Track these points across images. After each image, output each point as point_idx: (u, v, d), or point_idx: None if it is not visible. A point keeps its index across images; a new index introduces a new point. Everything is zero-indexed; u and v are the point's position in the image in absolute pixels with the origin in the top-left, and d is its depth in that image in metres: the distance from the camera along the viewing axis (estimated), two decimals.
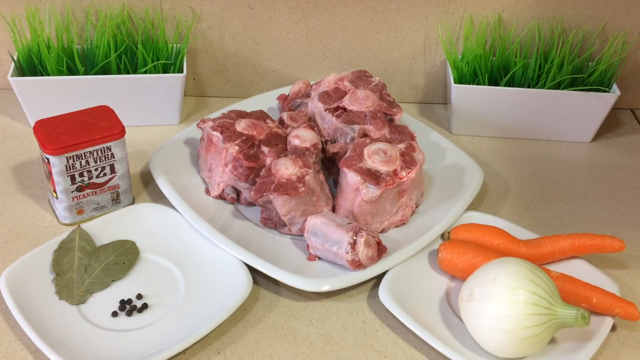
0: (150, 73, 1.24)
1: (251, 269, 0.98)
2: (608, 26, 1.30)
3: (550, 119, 1.28)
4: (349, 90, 1.14)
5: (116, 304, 0.95)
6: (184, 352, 0.90)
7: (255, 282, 0.99)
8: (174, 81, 1.23)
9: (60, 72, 1.21)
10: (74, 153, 1.00)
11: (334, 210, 1.06)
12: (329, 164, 1.14)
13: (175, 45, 1.27)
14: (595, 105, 1.25)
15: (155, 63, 1.23)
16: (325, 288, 0.96)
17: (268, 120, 1.12)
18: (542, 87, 1.26)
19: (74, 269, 0.98)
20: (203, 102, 1.37)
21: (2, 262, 1.00)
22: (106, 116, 1.05)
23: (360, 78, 1.17)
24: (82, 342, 0.90)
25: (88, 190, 1.04)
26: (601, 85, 1.26)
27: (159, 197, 1.11)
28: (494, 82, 1.29)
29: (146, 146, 1.23)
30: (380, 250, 0.98)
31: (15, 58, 1.23)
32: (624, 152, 1.29)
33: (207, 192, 1.11)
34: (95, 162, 1.03)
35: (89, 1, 1.26)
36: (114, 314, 0.94)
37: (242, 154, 1.05)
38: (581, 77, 1.26)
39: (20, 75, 1.23)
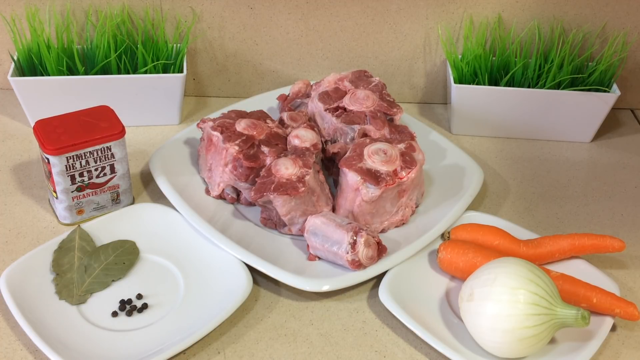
0: (150, 73, 1.24)
1: (251, 269, 0.98)
2: (608, 26, 1.30)
3: (550, 119, 1.28)
4: (349, 90, 1.14)
5: (116, 304, 0.95)
6: (184, 352, 0.90)
7: (255, 282, 0.99)
8: (174, 81, 1.23)
9: (60, 72, 1.21)
10: (74, 153, 1.00)
11: (334, 210, 1.06)
12: (329, 164, 1.14)
13: (175, 45, 1.27)
14: (595, 105, 1.25)
15: (155, 63, 1.24)
16: (325, 288, 0.96)
17: (268, 120, 1.12)
18: (542, 87, 1.26)
19: (74, 269, 0.98)
20: (203, 102, 1.37)
21: (2, 262, 1.00)
22: (106, 116, 1.05)
23: (360, 78, 1.17)
24: (82, 342, 0.90)
25: (88, 190, 1.05)
26: (601, 85, 1.26)
27: (159, 197, 1.11)
28: (494, 82, 1.29)
29: (146, 146, 1.23)
30: (380, 250, 0.98)
31: (15, 58, 1.23)
32: (624, 152, 1.29)
33: (207, 192, 1.11)
34: (95, 162, 1.03)
35: (89, 1, 1.26)
36: (114, 314, 0.94)
37: (242, 154, 1.05)
38: (581, 77, 1.26)
39: (20, 75, 1.23)
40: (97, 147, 1.01)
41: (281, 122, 1.14)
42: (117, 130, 1.03)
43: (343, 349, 0.92)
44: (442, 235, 1.05)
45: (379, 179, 1.00)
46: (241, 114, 1.12)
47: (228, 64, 1.35)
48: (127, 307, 0.95)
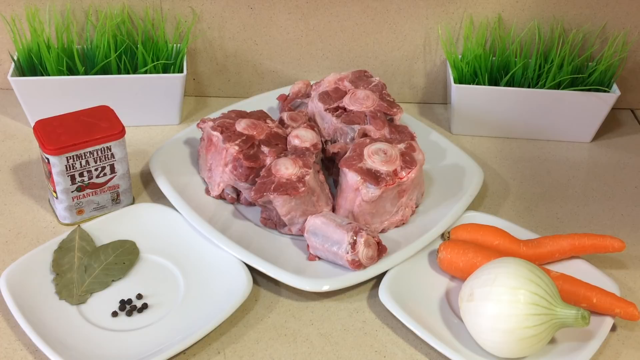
0: (150, 73, 1.24)
1: (251, 269, 0.98)
2: (608, 26, 1.30)
3: (550, 119, 1.28)
4: (349, 90, 1.14)
5: (116, 304, 0.95)
6: (184, 352, 0.90)
7: (255, 282, 0.99)
8: (174, 81, 1.23)
9: (60, 72, 1.21)
10: (74, 153, 1.00)
11: (334, 210, 1.06)
12: (329, 164, 1.14)
13: (175, 45, 1.27)
14: (595, 105, 1.25)
15: (155, 63, 1.23)
16: (325, 288, 0.96)
17: (268, 120, 1.12)
18: (542, 87, 1.26)
19: (74, 269, 0.98)
20: (203, 102, 1.37)
21: (2, 262, 1.00)
22: (106, 116, 1.05)
23: (360, 78, 1.17)
24: (82, 342, 0.90)
25: (88, 190, 1.05)
26: (601, 85, 1.26)
27: (159, 197, 1.11)
28: (494, 82, 1.29)
29: (146, 146, 1.23)
30: (380, 250, 0.98)
31: (15, 58, 1.23)
32: (624, 152, 1.29)
33: (207, 192, 1.11)
34: (95, 162, 1.03)
35: (89, 1, 1.26)
36: (114, 314, 0.94)
37: (242, 154, 1.05)
38: (581, 77, 1.26)
39: (20, 75, 1.23)
40: (97, 147, 1.01)
41: (281, 122, 1.14)
42: (117, 130, 1.03)
43: (343, 349, 0.92)
44: (442, 235, 1.05)
45: (379, 179, 1.00)
46: (241, 114, 1.12)
47: (228, 64, 1.35)
48: (127, 307, 0.95)
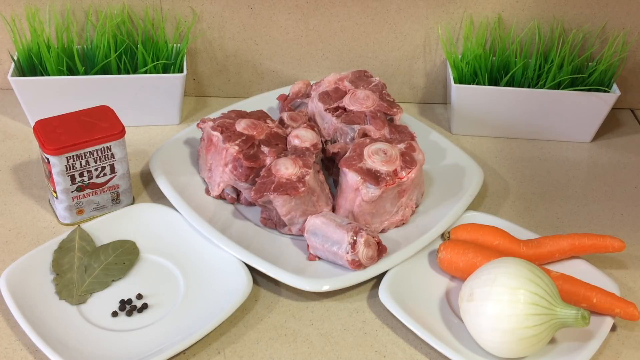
0: (150, 73, 1.24)
1: (251, 269, 0.98)
2: (608, 26, 1.30)
3: (550, 119, 1.28)
4: (349, 90, 1.15)
5: (116, 304, 0.95)
6: (184, 352, 0.90)
7: (255, 282, 0.99)
8: (174, 81, 1.23)
9: (60, 72, 1.21)
10: (74, 153, 1.00)
11: (334, 210, 1.06)
12: (329, 164, 1.14)
13: (175, 45, 1.27)
14: (595, 105, 1.25)
15: (155, 63, 1.24)
16: (325, 288, 0.96)
17: (268, 120, 1.12)
18: (542, 87, 1.26)
19: (74, 269, 0.98)
20: (203, 102, 1.37)
21: (2, 262, 1.00)
22: (106, 116, 1.05)
23: (360, 78, 1.17)
24: (82, 342, 0.90)
25: (88, 190, 1.05)
26: (601, 85, 1.26)
27: (159, 197, 1.11)
28: (494, 82, 1.29)
29: (146, 146, 1.23)
30: (380, 250, 0.98)
31: (15, 58, 1.23)
32: (624, 152, 1.29)
33: (207, 192, 1.11)
34: (95, 162, 1.03)
35: (89, 1, 1.26)
36: (114, 314, 0.94)
37: (242, 154, 1.05)
38: (581, 77, 1.26)
39: (20, 75, 1.23)
40: (97, 147, 1.02)
41: (281, 122, 1.14)
42: (117, 130, 1.03)
43: (343, 349, 0.92)
44: (442, 235, 1.05)
45: (379, 179, 1.00)
46: (241, 114, 1.12)
47: (228, 64, 1.35)
48: (127, 307, 0.95)
